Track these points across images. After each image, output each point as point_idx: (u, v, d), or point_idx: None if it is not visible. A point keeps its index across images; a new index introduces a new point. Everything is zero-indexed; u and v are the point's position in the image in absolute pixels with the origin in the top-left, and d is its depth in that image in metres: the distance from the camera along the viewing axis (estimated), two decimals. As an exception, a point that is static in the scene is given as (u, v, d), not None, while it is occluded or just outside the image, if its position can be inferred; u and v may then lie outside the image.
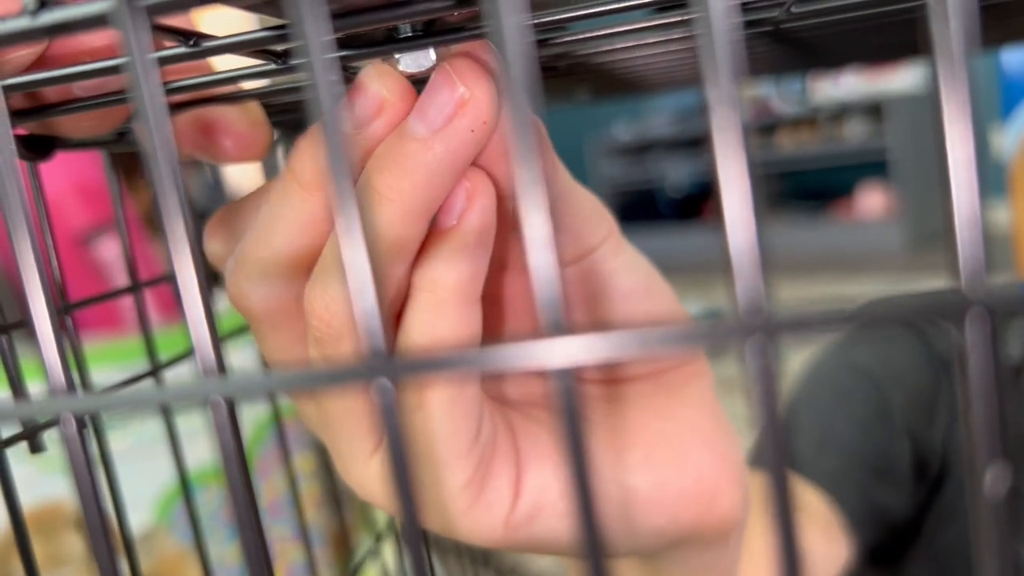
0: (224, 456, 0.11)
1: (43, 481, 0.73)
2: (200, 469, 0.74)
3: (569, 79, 0.26)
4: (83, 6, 0.11)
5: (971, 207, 0.09)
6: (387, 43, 0.19)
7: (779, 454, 0.10)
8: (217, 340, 0.12)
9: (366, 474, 0.23)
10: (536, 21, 0.19)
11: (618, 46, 0.21)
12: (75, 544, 0.72)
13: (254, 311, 0.22)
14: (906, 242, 4.21)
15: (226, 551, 0.75)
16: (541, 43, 0.20)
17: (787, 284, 4.03)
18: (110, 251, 1.10)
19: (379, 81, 0.20)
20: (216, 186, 1.52)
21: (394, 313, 0.21)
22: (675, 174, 5.11)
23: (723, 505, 0.25)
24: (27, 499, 0.74)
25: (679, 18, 0.19)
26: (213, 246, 0.25)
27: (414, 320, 0.21)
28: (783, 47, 0.24)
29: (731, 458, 0.26)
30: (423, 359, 0.11)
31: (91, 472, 0.12)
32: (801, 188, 5.06)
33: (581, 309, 0.24)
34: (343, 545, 0.85)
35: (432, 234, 0.21)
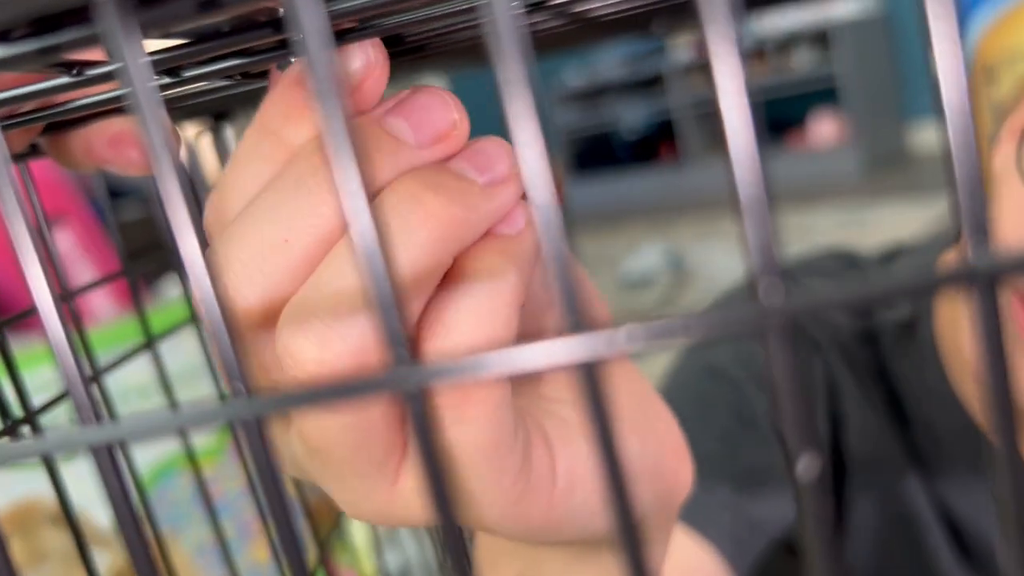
0: (259, 472, 0.11)
1: (20, 479, 0.73)
2: (175, 454, 0.74)
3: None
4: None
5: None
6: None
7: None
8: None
9: (397, 495, 0.21)
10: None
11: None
12: (54, 540, 0.72)
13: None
14: (861, 167, 4.26)
15: (204, 534, 0.75)
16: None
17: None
18: (62, 243, 1.08)
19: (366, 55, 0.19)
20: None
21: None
22: (629, 116, 5.09)
23: (684, 476, 0.25)
24: (5, 497, 0.74)
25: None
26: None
27: (461, 319, 0.19)
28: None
29: (678, 429, 0.26)
30: (452, 364, 0.11)
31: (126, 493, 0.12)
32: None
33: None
34: (327, 516, 0.86)
35: (488, 238, 0.20)
